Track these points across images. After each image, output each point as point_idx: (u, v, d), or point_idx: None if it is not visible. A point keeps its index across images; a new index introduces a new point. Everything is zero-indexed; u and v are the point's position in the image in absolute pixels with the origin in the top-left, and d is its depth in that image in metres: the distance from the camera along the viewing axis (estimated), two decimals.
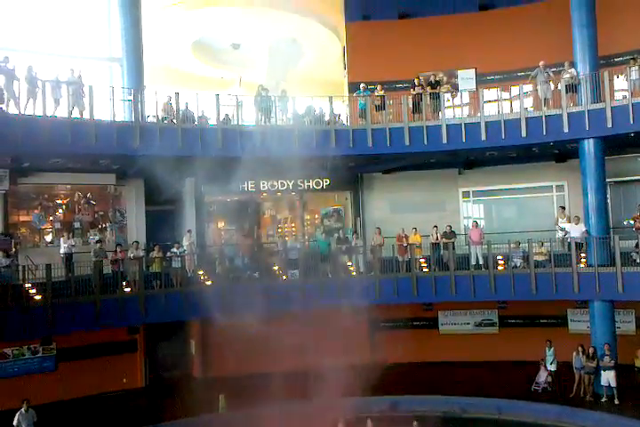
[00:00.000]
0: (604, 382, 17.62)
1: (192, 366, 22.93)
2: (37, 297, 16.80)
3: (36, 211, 20.59)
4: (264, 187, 23.66)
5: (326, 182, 24.36)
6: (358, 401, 17.03)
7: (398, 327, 23.68)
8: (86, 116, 17.31)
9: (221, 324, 21.37)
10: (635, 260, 18.22)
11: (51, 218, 20.91)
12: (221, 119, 19.34)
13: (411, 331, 23.45)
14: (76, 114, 17.31)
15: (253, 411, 16.57)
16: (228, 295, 18.59)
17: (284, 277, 19.94)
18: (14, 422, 14.96)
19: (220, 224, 24.79)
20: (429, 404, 16.69)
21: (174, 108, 18.94)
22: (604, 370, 17.53)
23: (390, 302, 20.46)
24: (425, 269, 20.18)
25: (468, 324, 23.56)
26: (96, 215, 21.79)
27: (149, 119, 18.90)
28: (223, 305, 18.50)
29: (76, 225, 21.10)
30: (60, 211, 21.25)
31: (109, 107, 17.73)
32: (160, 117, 18.93)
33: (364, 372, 21.81)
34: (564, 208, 20.96)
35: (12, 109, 16.34)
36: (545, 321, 22.63)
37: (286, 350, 20.63)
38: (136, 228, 21.76)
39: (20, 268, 16.98)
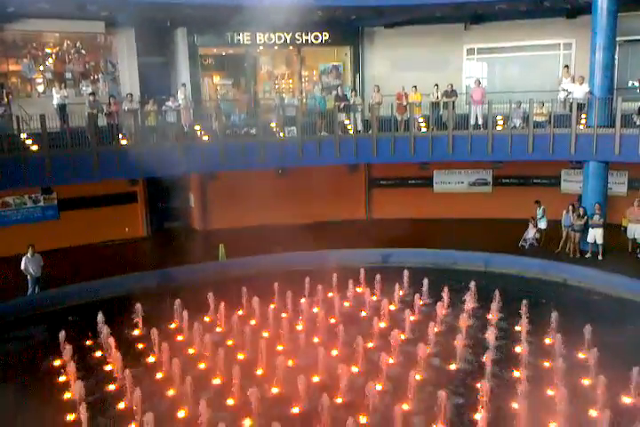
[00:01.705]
0: (590, 239, 18.28)
1: (192, 218, 23.61)
2: (34, 147, 16.86)
3: (25, 60, 20.02)
4: (260, 40, 22.73)
5: (325, 36, 23.43)
6: (353, 253, 17.69)
7: (394, 186, 24.13)
8: None
9: (220, 179, 21.79)
10: (635, 122, 18.10)
11: (41, 68, 20.44)
12: None
13: (406, 189, 23.95)
14: None
15: (251, 259, 17.29)
16: (225, 151, 18.69)
17: (282, 135, 19.83)
18: (22, 266, 15.60)
19: (216, 79, 24.14)
20: (420, 256, 17.37)
21: None
22: (592, 228, 18.11)
23: (387, 160, 20.59)
24: (423, 129, 20.07)
25: (463, 183, 23.93)
26: (87, 66, 21.28)
27: None
28: (220, 160, 18.66)
29: (68, 76, 20.66)
30: (50, 60, 20.70)
31: None
32: None
33: (359, 226, 22.74)
34: (568, 67, 20.50)
35: None
36: (538, 181, 23.03)
37: (284, 204, 21.24)
38: (129, 80, 21.24)
39: (14, 118, 16.83)
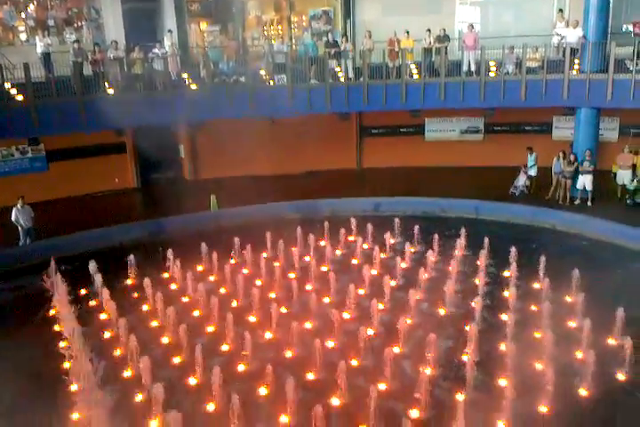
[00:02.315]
0: (579, 185, 18.36)
1: (182, 168, 23.47)
2: (19, 97, 16.55)
3: (5, 6, 19.43)
4: None
5: None
6: (344, 202, 17.72)
7: (385, 134, 23.96)
8: None
9: (209, 129, 21.53)
10: (628, 67, 17.91)
11: (22, 15, 19.81)
12: None
13: (397, 138, 23.78)
14: None
15: (243, 209, 17.30)
16: (214, 100, 18.42)
17: (271, 83, 19.51)
18: (12, 217, 15.56)
19: (203, 25, 23.55)
20: (411, 205, 17.43)
21: None
22: (582, 174, 18.17)
23: (378, 108, 20.35)
24: (415, 76, 19.76)
25: (454, 131, 23.78)
26: (70, 12, 20.70)
27: None
28: (209, 109, 18.41)
29: (51, 23, 20.11)
30: (32, 7, 20.06)
31: None
32: None
33: (350, 175, 22.73)
34: (562, 11, 20.12)
35: None
36: (530, 128, 22.92)
37: (274, 154, 21.11)
38: (114, 27, 20.69)
39: None
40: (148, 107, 17.60)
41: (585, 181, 18.21)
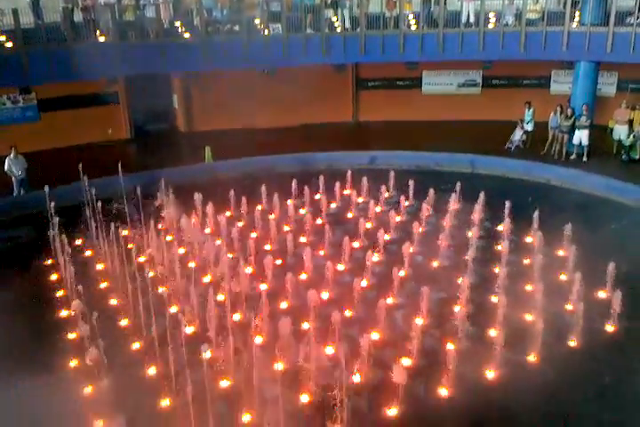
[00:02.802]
0: (576, 140, 18.30)
1: (176, 120, 23.19)
2: (8, 44, 16.19)
3: None
4: None
5: None
6: (339, 155, 17.63)
7: (382, 87, 23.64)
8: None
9: (203, 79, 21.17)
10: (629, 21, 17.61)
11: None
12: None
13: (394, 91, 23.47)
14: None
15: (237, 161, 17.21)
16: (208, 49, 18.05)
17: (266, 32, 19.10)
18: (5, 168, 15.46)
19: None
20: (407, 158, 17.36)
21: None
22: (579, 129, 18.08)
23: (376, 59, 20.02)
24: (413, 27, 19.40)
25: (452, 84, 23.47)
26: None
27: None
28: (203, 59, 18.07)
29: None
30: None
31: None
32: None
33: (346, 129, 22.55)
34: None
35: None
36: (528, 82, 22.64)
37: (269, 106, 20.87)
38: None
39: None
40: (140, 55, 17.29)
41: (581, 136, 18.14)
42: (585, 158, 18.23)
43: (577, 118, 18.12)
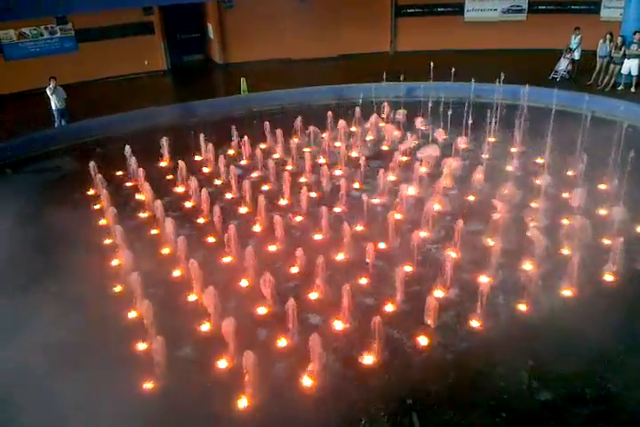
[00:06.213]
0: (625, 70, 17.52)
1: (211, 50, 22.92)
2: None
3: None
4: None
5: None
6: (374, 87, 17.27)
7: (421, 14, 22.80)
8: None
9: (239, 7, 20.70)
10: None
11: None
12: None
13: (435, 18, 22.63)
14: None
15: (274, 93, 17.03)
16: None
17: None
18: (48, 92, 15.58)
19: None
20: (446, 90, 16.87)
21: None
22: (629, 58, 17.27)
23: None
24: None
25: (496, 10, 22.48)
26: None
27: None
28: None
29: None
30: None
31: None
32: None
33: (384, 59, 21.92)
34: None
35: None
36: (577, 8, 21.55)
37: (306, 36, 20.39)
38: None
39: None
40: None
41: (631, 66, 17.35)
42: (633, 89, 17.50)
43: (627, 46, 17.27)
